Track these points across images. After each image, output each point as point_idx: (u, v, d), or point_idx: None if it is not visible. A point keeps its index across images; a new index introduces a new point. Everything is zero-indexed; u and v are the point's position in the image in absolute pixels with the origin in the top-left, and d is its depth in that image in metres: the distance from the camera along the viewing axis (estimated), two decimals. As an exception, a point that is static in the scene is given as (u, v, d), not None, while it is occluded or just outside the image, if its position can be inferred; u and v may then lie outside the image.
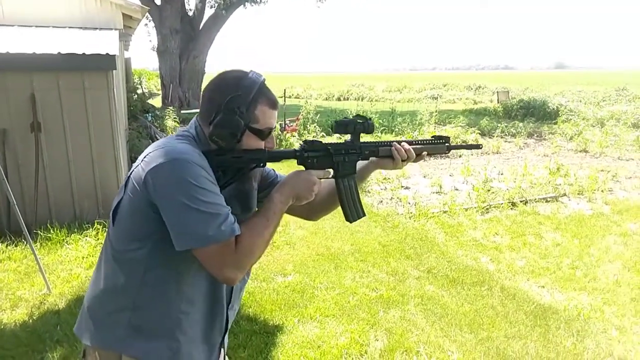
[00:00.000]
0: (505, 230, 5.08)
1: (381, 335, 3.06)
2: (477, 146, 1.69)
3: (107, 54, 4.72)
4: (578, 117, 12.84)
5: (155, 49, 17.19)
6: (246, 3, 18.13)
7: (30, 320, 3.14)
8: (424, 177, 7.51)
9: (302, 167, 1.37)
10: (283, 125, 11.03)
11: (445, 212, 5.63)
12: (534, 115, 14.24)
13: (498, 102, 17.89)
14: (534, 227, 5.17)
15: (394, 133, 10.87)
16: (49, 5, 6.24)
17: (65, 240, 4.40)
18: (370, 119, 1.41)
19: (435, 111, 12.18)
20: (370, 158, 1.48)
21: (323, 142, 1.38)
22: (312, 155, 1.34)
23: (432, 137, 1.57)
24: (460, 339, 3.03)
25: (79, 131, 4.83)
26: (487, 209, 5.77)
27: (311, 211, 1.54)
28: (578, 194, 6.40)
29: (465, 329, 3.14)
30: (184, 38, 17.10)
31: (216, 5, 17.98)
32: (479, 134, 11.00)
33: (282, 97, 12.94)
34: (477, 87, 28.92)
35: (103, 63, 4.76)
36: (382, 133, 10.61)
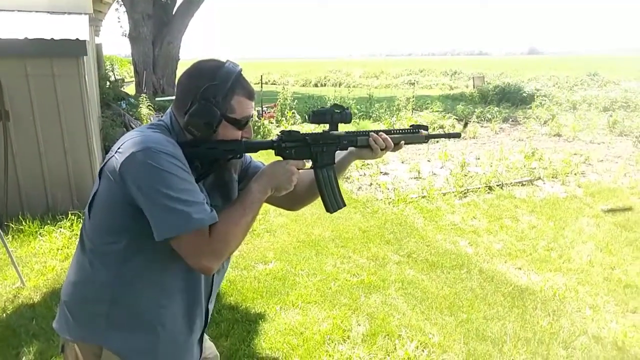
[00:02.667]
0: (482, 214, 5.16)
1: (363, 320, 3.08)
2: (456, 135, 1.69)
3: (77, 39, 4.56)
4: (552, 102, 13.08)
5: (127, 35, 16.73)
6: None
7: (4, 315, 3.05)
8: (402, 162, 7.55)
9: (279, 158, 1.36)
10: (260, 112, 10.93)
11: (423, 197, 5.68)
12: (509, 100, 14.42)
13: (474, 88, 18.07)
14: (511, 211, 5.26)
15: (371, 119, 10.88)
16: (14, -12, 6.00)
17: (38, 232, 4.28)
18: (347, 108, 1.40)
19: (412, 97, 12.23)
20: (349, 148, 1.47)
21: (301, 132, 1.36)
22: (289, 145, 1.33)
23: (410, 126, 1.57)
24: (440, 322, 3.07)
25: (49, 119, 4.68)
26: (464, 193, 5.84)
27: (292, 201, 1.52)
28: (552, 177, 6.54)
29: (445, 312, 3.19)
30: (156, 23, 16.66)
31: (189, -11, 17.56)
32: (456, 119, 11.12)
33: (258, 83, 12.80)
34: (453, 73, 29.11)
35: (73, 49, 4.60)
36: (360, 119, 10.60)
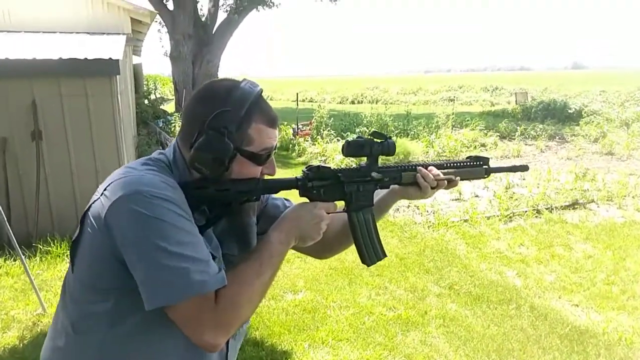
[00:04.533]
0: (530, 241, 4.75)
1: (400, 363, 2.78)
2: (524, 167, 1.39)
3: (110, 58, 4.53)
4: (602, 118, 12.37)
5: (168, 55, 17.12)
6: (259, 6, 18.00)
7: (21, 345, 2.93)
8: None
9: (304, 199, 1.12)
10: (296, 130, 10.80)
11: (465, 220, 5.32)
12: (555, 116, 13.76)
13: (516, 104, 17.42)
14: (562, 237, 4.83)
15: (409, 137, 10.53)
16: (56, 10, 6.13)
17: (65, 254, 4.20)
18: (390, 137, 1.13)
19: (452, 114, 11.83)
20: (391, 186, 1.21)
21: (332, 167, 1.12)
22: (317, 184, 1.08)
23: (467, 157, 1.30)
24: (488, 368, 2.73)
25: (81, 139, 4.64)
26: (510, 217, 5.44)
27: (320, 249, 1.25)
28: (607, 200, 6.03)
29: (493, 356, 2.84)
30: (196, 43, 16.99)
31: (229, 9, 17.88)
32: (498, 136, 10.64)
33: (294, 101, 12.72)
34: (494, 89, 28.33)
35: (106, 68, 4.56)
36: (397, 137, 10.28)
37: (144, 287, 0.88)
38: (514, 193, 6.28)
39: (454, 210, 5.74)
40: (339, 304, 3.46)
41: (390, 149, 1.13)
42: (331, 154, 8.55)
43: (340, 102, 25.94)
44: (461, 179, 1.25)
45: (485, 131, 10.86)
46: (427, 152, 9.29)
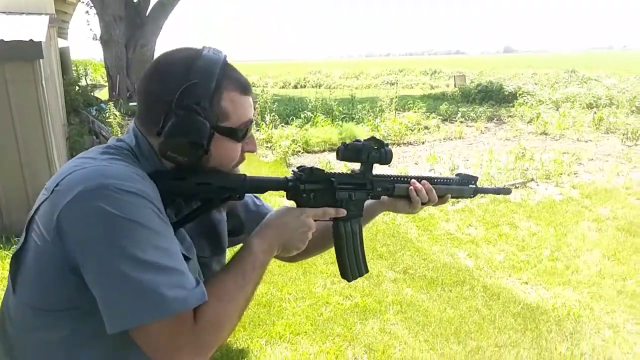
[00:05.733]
0: (478, 221, 4.85)
1: (361, 353, 2.72)
2: (507, 191, 1.42)
3: (31, 40, 4.09)
4: (534, 100, 12.94)
5: (99, 38, 16.09)
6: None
7: None
8: (389, 166, 7.22)
9: (292, 202, 0.99)
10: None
11: (415, 203, 5.35)
12: (492, 98, 14.26)
13: (455, 87, 17.91)
14: (507, 216, 4.97)
15: (354, 121, 10.52)
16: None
17: (-11, 259, 3.81)
18: (387, 144, 1.04)
19: (395, 97, 11.95)
20: (382, 197, 1.13)
21: (325, 170, 0.99)
22: (309, 188, 0.96)
23: (457, 174, 1.27)
24: (448, 352, 2.72)
25: (2, 129, 4.20)
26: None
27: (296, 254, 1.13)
28: (546, 178, 6.29)
29: (451, 339, 2.84)
30: (129, 26, 16.06)
31: (162, -10, 17.02)
32: (440, 119, 10.86)
33: (237, 86, 12.35)
34: (433, 72, 29.03)
35: (27, 51, 4.12)
36: (343, 121, 10.24)
37: (106, 305, 0.71)
38: (459, 174, 6.39)
39: (403, 193, 5.76)
40: (295, 296, 3.35)
41: (387, 158, 1.04)
42: (277, 140, 8.36)
43: (282, 87, 25.60)
44: (451, 197, 1.22)
45: (427, 114, 11.04)
46: (373, 135, 9.31)
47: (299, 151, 8.18)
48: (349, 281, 1.09)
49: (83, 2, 15.47)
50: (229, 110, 0.84)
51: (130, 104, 13.15)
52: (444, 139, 9.53)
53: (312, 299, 3.31)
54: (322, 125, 9.60)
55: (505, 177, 6.23)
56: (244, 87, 0.87)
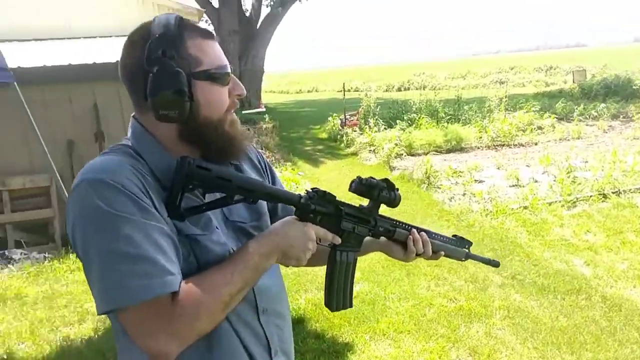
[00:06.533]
0: (598, 227, 4.50)
1: (464, 355, 2.71)
2: (495, 263, 1.39)
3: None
4: (671, 94, 11.54)
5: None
6: (301, -2, 18.01)
7: (96, 336, 3.09)
8: (498, 168, 6.94)
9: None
10: (343, 120, 10.74)
11: (525, 207, 5.11)
12: (618, 94, 12.95)
13: (574, 82, 16.55)
14: (633, 223, 4.54)
15: (461, 122, 10.21)
16: (110, 15, 6.35)
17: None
18: (397, 189, 1.08)
19: (505, 96, 11.39)
20: (380, 237, 1.15)
21: (336, 197, 1.03)
22: (318, 210, 0.98)
23: (453, 235, 1.29)
24: (559, 361, 2.62)
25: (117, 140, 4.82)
26: (573, 202, 5.18)
27: None
28: (682, 182, 5.62)
29: (564, 349, 2.72)
30: (242, 39, 17.23)
31: (272, 3, 17.99)
32: (556, 118, 10.15)
33: (340, 91, 12.64)
34: (549, 68, 27.02)
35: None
36: (448, 123, 9.99)
37: (92, 290, 0.80)
38: (576, 177, 5.97)
39: (512, 196, 5.53)
40: (398, 296, 3.42)
41: (395, 201, 1.08)
42: (380, 142, 8.44)
43: (386, 90, 25.56)
44: (444, 255, 1.24)
45: (541, 113, 10.38)
46: (481, 137, 9.00)
47: (402, 154, 8.18)
48: (331, 310, 1.09)
49: (202, 20, 16.89)
50: (198, 55, 0.87)
51: (243, 112, 14.06)
52: (560, 139, 8.90)
53: (415, 299, 3.35)
54: (426, 128, 9.49)
55: (631, 180, 5.68)
56: (206, 33, 0.91)
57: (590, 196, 5.27)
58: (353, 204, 1.06)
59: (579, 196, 5.30)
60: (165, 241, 0.81)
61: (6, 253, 4.40)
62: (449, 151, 8.57)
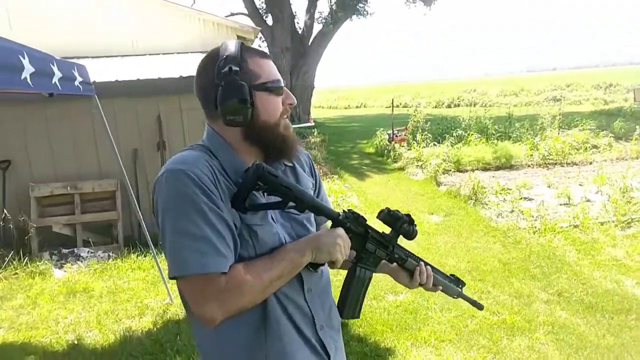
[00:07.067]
0: (653, 249, 4.37)
1: (506, 367, 2.75)
2: (479, 306, 1.52)
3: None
4: None
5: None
6: (353, 16, 18.34)
7: (155, 329, 3.34)
8: (549, 187, 6.82)
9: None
10: (391, 135, 10.83)
11: (576, 226, 5.02)
12: (683, 113, 12.34)
13: (635, 101, 15.88)
14: (692, 246, 4.38)
15: (511, 140, 10.06)
16: (173, 34, 6.81)
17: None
18: (416, 225, 1.22)
19: (559, 114, 11.13)
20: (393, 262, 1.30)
21: (367, 221, 1.19)
22: (351, 228, 1.15)
23: (451, 275, 1.45)
24: (603, 378, 2.60)
25: (177, 148, 5.14)
26: (628, 222, 5.03)
27: None
28: None
29: (609, 366, 2.70)
30: (294, 55, 17.73)
31: (324, 21, 18.43)
32: (612, 137, 9.80)
33: (389, 107, 12.76)
34: (608, 86, 26.04)
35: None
36: (498, 140, 9.87)
37: (166, 257, 1.00)
38: (632, 198, 5.78)
39: (562, 215, 5.44)
40: (440, 306, 3.47)
41: (412, 234, 1.21)
42: (427, 158, 8.47)
43: (435, 107, 25.41)
44: (441, 290, 1.38)
45: (597, 131, 10.06)
46: (532, 155, 8.83)
47: (450, 170, 8.16)
48: (342, 317, 1.21)
49: (257, 37, 17.52)
50: (257, 71, 1.07)
51: (293, 126, 14.41)
52: (617, 159, 8.60)
53: (457, 310, 3.40)
54: (475, 144, 9.42)
55: (692, 202, 5.46)
56: (262, 53, 1.12)
57: (647, 217, 5.11)
58: (378, 230, 1.22)
59: (635, 217, 5.14)
60: (223, 228, 0.99)
61: (75, 251, 4.80)
62: (498, 168, 8.47)
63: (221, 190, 1.02)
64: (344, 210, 1.16)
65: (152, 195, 1.05)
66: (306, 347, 1.12)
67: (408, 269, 1.29)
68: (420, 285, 1.32)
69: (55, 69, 2.44)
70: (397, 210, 1.22)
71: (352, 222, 1.15)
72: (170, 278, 0.99)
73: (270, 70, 1.11)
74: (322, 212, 1.12)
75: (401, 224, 1.20)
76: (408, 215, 1.22)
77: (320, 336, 1.15)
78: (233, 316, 1.01)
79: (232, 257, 1.00)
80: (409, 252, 1.29)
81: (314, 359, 1.13)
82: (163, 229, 0.99)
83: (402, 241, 1.24)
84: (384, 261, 1.27)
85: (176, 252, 0.97)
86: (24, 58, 2.02)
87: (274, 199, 1.07)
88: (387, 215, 1.20)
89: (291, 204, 1.06)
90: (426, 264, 1.32)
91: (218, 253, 0.97)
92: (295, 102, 1.17)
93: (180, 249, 0.96)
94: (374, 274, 1.23)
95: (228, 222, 1.01)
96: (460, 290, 1.45)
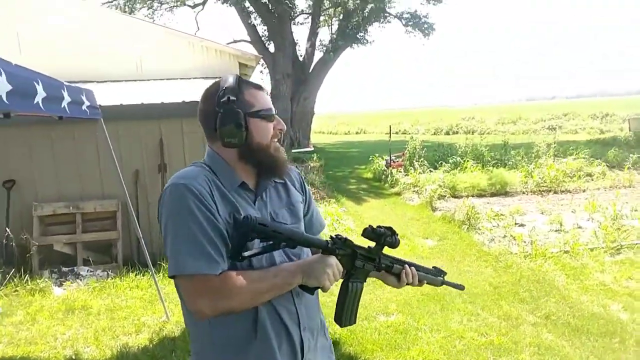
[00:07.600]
0: (641, 275, 4.47)
1: (491, 386, 2.82)
2: (461, 287, 1.72)
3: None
4: None
5: (269, 94, 18.36)
6: (353, 44, 18.78)
7: (151, 345, 3.42)
8: (542, 213, 6.95)
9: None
10: (388, 161, 11.01)
11: (566, 252, 5.12)
12: (676, 143, 12.55)
13: (630, 130, 16.14)
14: (679, 272, 4.48)
15: (507, 167, 10.24)
16: (177, 59, 7.04)
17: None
18: (397, 234, 1.36)
19: (554, 142, 11.33)
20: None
21: (353, 242, 1.33)
22: (341, 252, 1.27)
23: (432, 267, 1.60)
24: (585, 398, 2.68)
25: (176, 169, 5.29)
26: (617, 249, 5.14)
27: None
28: None
29: (591, 387, 2.78)
30: (295, 81, 18.09)
31: (325, 49, 18.87)
32: (607, 166, 9.97)
33: (387, 133, 12.98)
34: (604, 115, 26.39)
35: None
36: (494, 167, 10.04)
37: (168, 258, 1.15)
38: (622, 225, 5.89)
39: (553, 241, 5.55)
40: (430, 327, 3.56)
41: (395, 244, 1.35)
42: (424, 184, 8.62)
43: (434, 134, 25.72)
44: (427, 282, 1.55)
45: (591, 160, 10.23)
46: (526, 182, 8.98)
47: (445, 195, 8.30)
48: (340, 326, 1.35)
49: (259, 64, 17.91)
50: (252, 100, 1.24)
51: (293, 151, 14.62)
52: (610, 187, 8.75)
53: (446, 332, 3.48)
54: (471, 171, 9.58)
55: (681, 229, 5.57)
56: (257, 85, 1.29)
57: (636, 244, 5.21)
58: (364, 246, 1.36)
59: (624, 243, 5.25)
60: (216, 236, 1.13)
61: (75, 269, 4.90)
62: (492, 195, 8.61)
63: (218, 202, 1.17)
64: (331, 237, 1.29)
65: (157, 206, 1.21)
66: (289, 344, 1.26)
67: (395, 273, 1.44)
68: (408, 284, 1.46)
69: (65, 94, 2.60)
70: (380, 226, 1.36)
71: (340, 246, 1.27)
72: (170, 276, 1.14)
73: (263, 100, 1.28)
74: (313, 244, 1.26)
75: (384, 238, 1.34)
76: (389, 228, 1.36)
77: (302, 337, 1.28)
78: (226, 315, 1.14)
79: (223, 262, 1.14)
80: (393, 258, 1.43)
81: (292, 356, 1.27)
82: (165, 235, 1.14)
83: (389, 250, 1.37)
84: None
85: (175, 254, 1.12)
86: (38, 84, 2.18)
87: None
88: (371, 233, 1.33)
89: (283, 243, 1.19)
90: (410, 264, 1.47)
91: (210, 257, 1.11)
92: (285, 128, 1.35)
93: (179, 252, 1.11)
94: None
95: (221, 230, 1.15)
96: (442, 279, 1.61)
